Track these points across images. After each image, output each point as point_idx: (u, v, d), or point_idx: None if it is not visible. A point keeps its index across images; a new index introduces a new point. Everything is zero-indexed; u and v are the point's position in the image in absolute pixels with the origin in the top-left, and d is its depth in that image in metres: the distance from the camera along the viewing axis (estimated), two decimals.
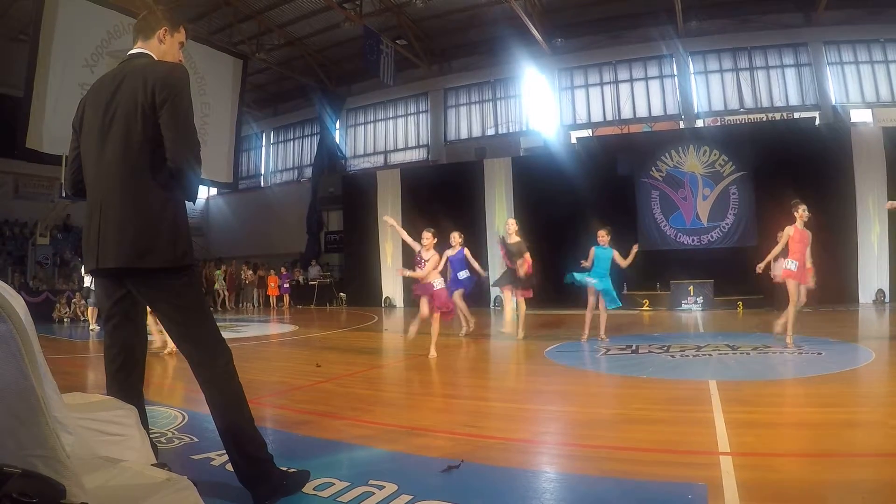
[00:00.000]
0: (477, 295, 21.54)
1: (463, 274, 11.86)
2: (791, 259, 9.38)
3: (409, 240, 9.85)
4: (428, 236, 9.43)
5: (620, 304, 11.16)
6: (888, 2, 20.00)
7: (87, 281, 15.85)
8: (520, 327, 11.30)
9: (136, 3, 17.72)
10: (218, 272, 26.65)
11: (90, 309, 16.32)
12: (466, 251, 11.88)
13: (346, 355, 10.31)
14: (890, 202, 9.88)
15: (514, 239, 11.39)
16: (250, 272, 27.96)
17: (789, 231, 9.53)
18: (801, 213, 9.55)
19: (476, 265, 11.91)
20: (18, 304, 1.73)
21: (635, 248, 10.98)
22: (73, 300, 19.12)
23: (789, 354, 8.44)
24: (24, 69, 16.77)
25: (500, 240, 11.97)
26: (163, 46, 3.45)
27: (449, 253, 11.71)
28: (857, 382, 6.70)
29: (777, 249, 10.16)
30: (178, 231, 3.18)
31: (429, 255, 9.40)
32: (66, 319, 19.13)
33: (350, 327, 15.58)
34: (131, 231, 3.07)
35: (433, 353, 9.10)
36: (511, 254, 11.19)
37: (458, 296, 11.80)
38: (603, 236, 10.79)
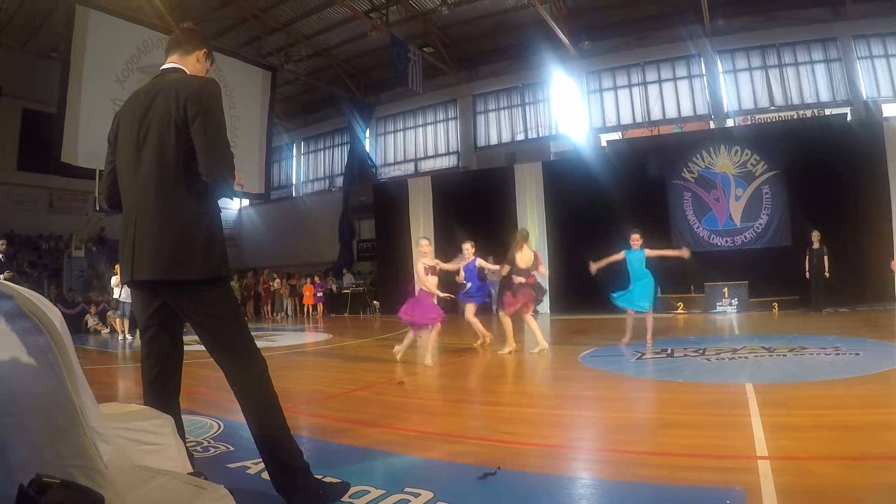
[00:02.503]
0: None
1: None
2: None
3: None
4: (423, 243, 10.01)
5: (645, 308, 10.91)
6: None
7: (117, 293, 16.04)
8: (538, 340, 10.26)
9: (165, 20, 18.03)
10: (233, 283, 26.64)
11: (118, 320, 16.52)
12: (479, 260, 11.74)
13: (379, 363, 10.33)
14: None
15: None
16: (278, 281, 28.01)
17: None
18: None
19: (490, 266, 11.85)
20: (55, 315, 1.76)
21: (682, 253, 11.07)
22: (107, 312, 19.28)
23: (826, 356, 8.33)
24: (56, 86, 17.08)
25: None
26: (198, 66, 3.54)
27: (463, 264, 11.69)
28: None
29: None
30: (213, 242, 3.22)
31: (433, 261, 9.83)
32: (99, 330, 19.31)
33: (384, 335, 15.61)
34: (166, 243, 3.11)
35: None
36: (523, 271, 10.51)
37: (470, 310, 11.69)
38: (636, 240, 10.73)
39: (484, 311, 12.53)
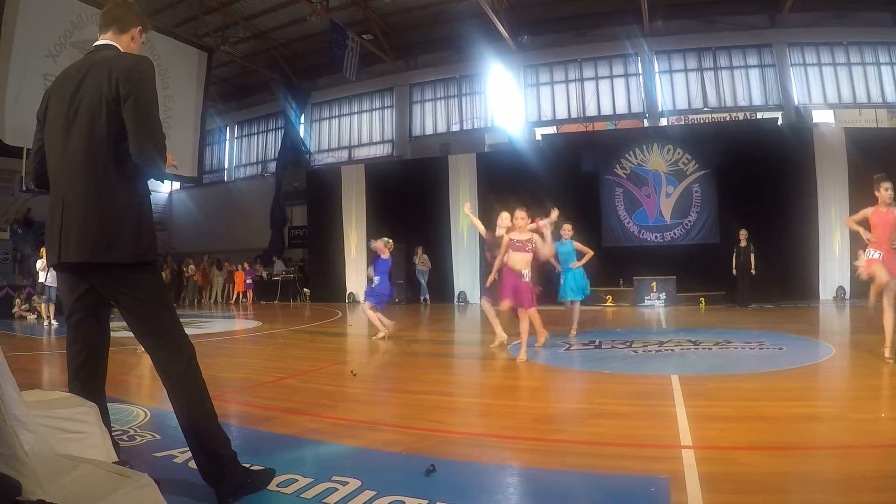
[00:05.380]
0: (441, 290, 21.69)
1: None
2: (872, 248, 7.65)
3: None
4: (520, 216, 8.58)
5: (579, 298, 11.03)
6: (852, 5, 20.45)
7: (42, 276, 15.58)
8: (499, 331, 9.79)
9: None
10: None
11: (44, 305, 16.02)
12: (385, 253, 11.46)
13: (309, 351, 10.29)
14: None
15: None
16: (192, 267, 27.40)
17: (865, 213, 7.79)
18: (883, 191, 7.58)
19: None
20: None
21: None
22: (32, 296, 18.69)
23: (750, 350, 8.55)
24: None
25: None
26: (132, 44, 3.43)
27: (382, 259, 11.43)
28: (818, 377, 6.81)
29: (860, 230, 7.92)
30: (142, 226, 3.14)
31: (528, 235, 8.55)
32: (26, 316, 18.70)
33: (314, 323, 15.51)
34: (94, 225, 3.02)
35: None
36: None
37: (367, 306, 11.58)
38: (568, 230, 10.82)
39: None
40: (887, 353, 7.12)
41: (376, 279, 11.44)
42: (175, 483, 3.41)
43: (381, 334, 11.23)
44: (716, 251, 18.54)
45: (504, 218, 9.78)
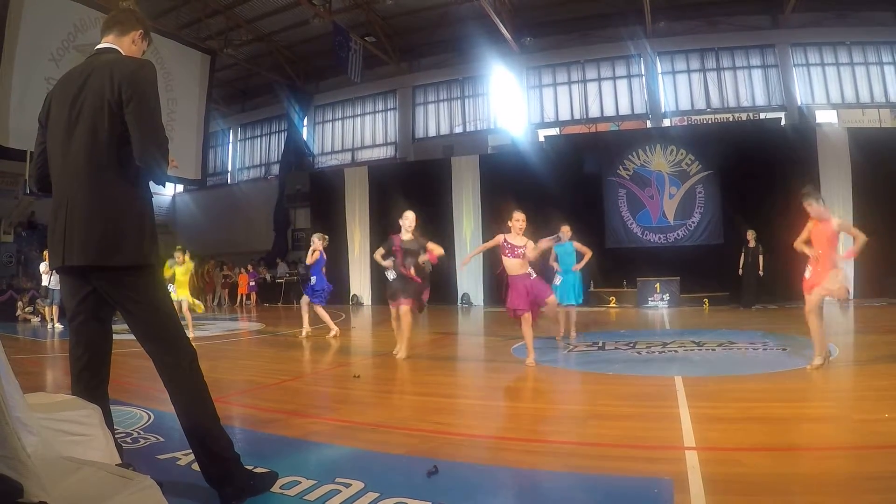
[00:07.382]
0: (444, 292, 21.62)
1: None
2: (811, 265, 7.75)
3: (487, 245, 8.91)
4: (521, 218, 8.22)
5: (578, 302, 11.07)
6: (854, 5, 20.42)
7: (45, 280, 15.61)
8: (402, 345, 8.94)
9: None
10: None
11: (47, 308, 16.06)
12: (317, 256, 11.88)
13: (312, 353, 10.30)
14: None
15: (409, 236, 9.17)
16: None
17: (808, 228, 7.93)
18: (806, 207, 7.73)
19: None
20: None
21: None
22: (36, 299, 18.72)
23: (754, 351, 8.54)
24: None
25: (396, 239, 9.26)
26: (133, 47, 3.43)
27: (319, 257, 11.80)
28: (821, 378, 6.78)
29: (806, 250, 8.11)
30: (144, 229, 3.15)
31: (523, 241, 8.19)
32: (30, 319, 18.72)
33: (317, 325, 15.51)
34: (97, 228, 3.03)
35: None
36: (407, 252, 9.02)
37: (306, 300, 12.25)
38: (566, 232, 10.84)
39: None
40: (817, 361, 6.96)
41: (313, 278, 12.02)
42: (178, 485, 3.41)
43: (332, 333, 11.95)
44: (719, 252, 18.57)
45: (408, 218, 9.23)
